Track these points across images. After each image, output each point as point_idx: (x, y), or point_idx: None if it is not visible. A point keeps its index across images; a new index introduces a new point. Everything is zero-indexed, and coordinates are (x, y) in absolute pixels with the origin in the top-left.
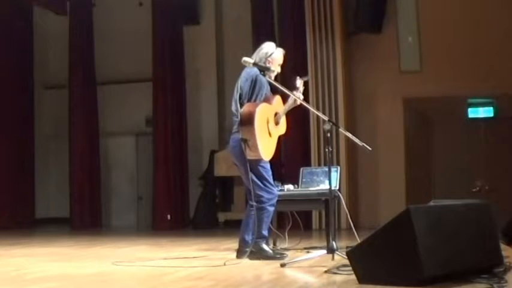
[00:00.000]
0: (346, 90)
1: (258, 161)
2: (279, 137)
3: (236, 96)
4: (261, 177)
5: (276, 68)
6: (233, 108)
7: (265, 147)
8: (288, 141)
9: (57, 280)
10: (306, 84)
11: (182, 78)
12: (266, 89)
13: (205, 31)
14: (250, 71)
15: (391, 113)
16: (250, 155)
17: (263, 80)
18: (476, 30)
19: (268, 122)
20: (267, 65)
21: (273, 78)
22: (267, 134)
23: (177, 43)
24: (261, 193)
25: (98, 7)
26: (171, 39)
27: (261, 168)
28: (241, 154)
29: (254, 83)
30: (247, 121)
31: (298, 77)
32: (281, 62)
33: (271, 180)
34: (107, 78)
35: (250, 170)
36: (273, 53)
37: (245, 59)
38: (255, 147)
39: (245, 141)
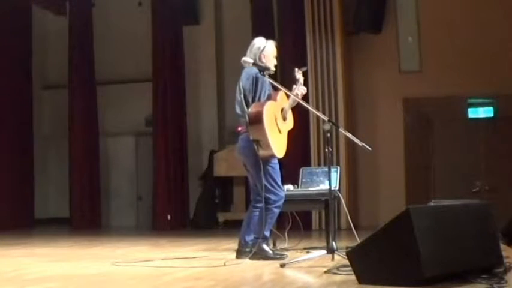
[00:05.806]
0: (346, 90)
1: (269, 160)
2: (289, 133)
3: (239, 97)
4: (270, 179)
5: (272, 61)
6: (238, 110)
7: (277, 144)
8: (288, 141)
9: (57, 280)
10: (305, 77)
11: (182, 78)
12: (268, 86)
13: (205, 31)
14: (249, 71)
15: (391, 113)
16: (263, 154)
17: (263, 77)
18: (476, 30)
19: (276, 119)
20: (262, 59)
21: (271, 73)
22: (276, 131)
23: (177, 43)
24: (268, 195)
25: (97, 7)
26: (171, 39)
27: (270, 169)
28: (252, 154)
29: (255, 80)
30: (256, 121)
31: (296, 69)
32: (275, 53)
33: (280, 182)
34: (106, 78)
35: (260, 171)
36: (265, 47)
37: (244, 59)
38: (268, 146)
39: (257, 142)
